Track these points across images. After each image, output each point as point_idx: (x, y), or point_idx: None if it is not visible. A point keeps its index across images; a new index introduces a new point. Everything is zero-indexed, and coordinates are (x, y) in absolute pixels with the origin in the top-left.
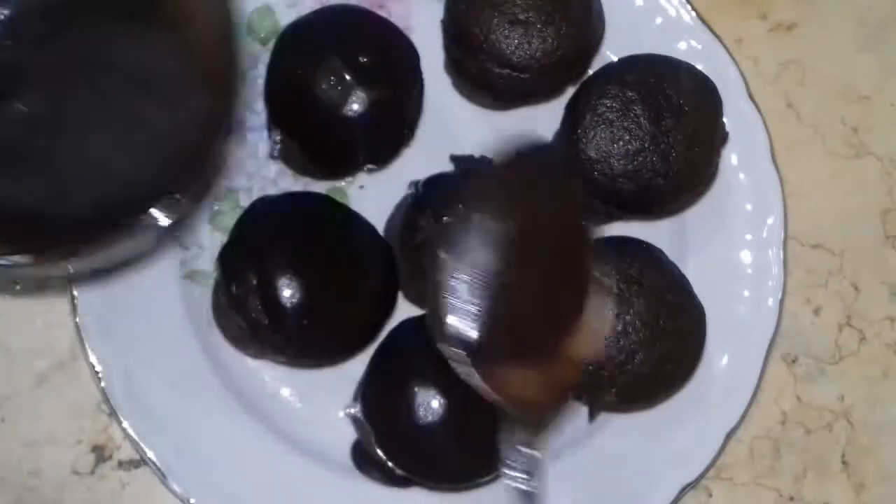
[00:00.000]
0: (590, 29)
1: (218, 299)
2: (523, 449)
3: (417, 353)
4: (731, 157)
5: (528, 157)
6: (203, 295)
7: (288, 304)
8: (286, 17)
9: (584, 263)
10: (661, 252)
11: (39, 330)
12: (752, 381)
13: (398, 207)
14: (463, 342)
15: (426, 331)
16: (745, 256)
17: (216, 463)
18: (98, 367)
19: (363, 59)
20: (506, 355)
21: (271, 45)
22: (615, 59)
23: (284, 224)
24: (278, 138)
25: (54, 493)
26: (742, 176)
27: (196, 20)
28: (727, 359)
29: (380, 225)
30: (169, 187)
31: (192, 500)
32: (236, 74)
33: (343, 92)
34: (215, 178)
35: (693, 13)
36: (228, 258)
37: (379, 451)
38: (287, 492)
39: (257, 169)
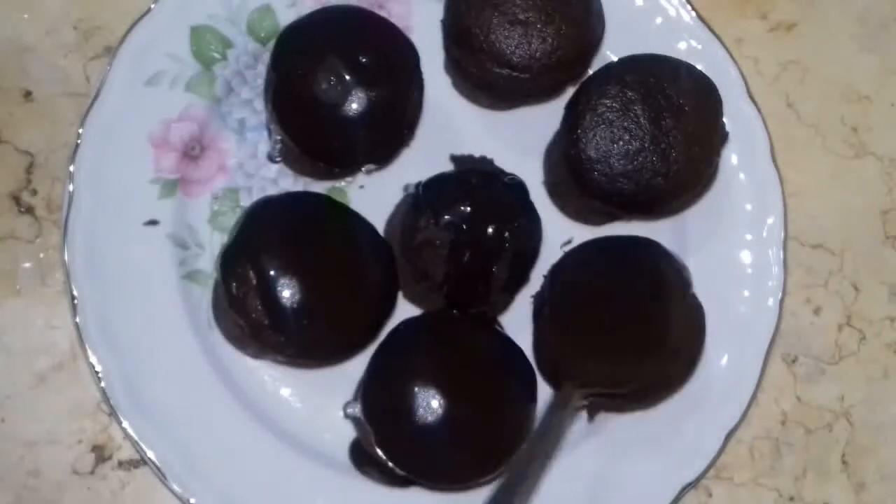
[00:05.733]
0: (590, 29)
1: (218, 299)
2: None
3: (417, 353)
4: (731, 157)
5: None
6: (203, 295)
7: (288, 304)
8: (286, 17)
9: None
10: (663, 250)
11: (39, 330)
12: (752, 381)
13: (398, 207)
14: None
15: (426, 331)
16: (745, 256)
17: (216, 463)
18: (98, 367)
19: (363, 59)
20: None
21: (271, 45)
22: (615, 59)
23: (284, 224)
24: (278, 138)
25: (54, 493)
26: (742, 176)
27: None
28: (727, 359)
29: (380, 225)
30: None
31: (192, 500)
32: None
33: (343, 92)
34: None
35: (693, 13)
36: (228, 258)
37: (379, 451)
38: (287, 492)
39: (257, 169)
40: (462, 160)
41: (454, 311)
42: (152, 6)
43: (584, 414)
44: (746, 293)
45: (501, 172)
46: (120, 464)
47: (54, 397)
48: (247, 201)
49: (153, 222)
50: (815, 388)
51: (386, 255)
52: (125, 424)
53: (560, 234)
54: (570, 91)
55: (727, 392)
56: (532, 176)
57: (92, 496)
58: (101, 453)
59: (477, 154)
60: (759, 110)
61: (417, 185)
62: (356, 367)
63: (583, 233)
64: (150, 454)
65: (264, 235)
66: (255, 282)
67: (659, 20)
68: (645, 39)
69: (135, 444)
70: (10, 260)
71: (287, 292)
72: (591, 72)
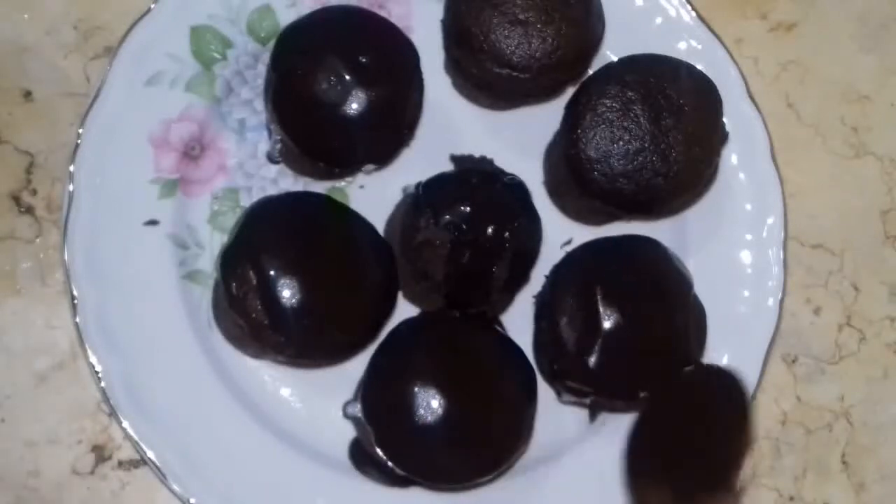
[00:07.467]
0: (590, 29)
1: (218, 299)
2: None
3: (417, 353)
4: (731, 157)
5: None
6: (203, 295)
7: (288, 304)
8: (286, 17)
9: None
10: (665, 249)
11: (39, 330)
12: (752, 381)
13: (398, 207)
14: None
15: (426, 331)
16: (745, 256)
17: (216, 463)
18: (98, 367)
19: (363, 59)
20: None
21: (271, 45)
22: (615, 59)
23: (284, 224)
24: (278, 138)
25: (54, 493)
26: (742, 176)
27: None
28: (727, 359)
29: (380, 225)
30: None
31: (192, 500)
32: None
33: (343, 92)
34: None
35: (693, 13)
36: (228, 258)
37: (379, 451)
38: (287, 492)
39: (257, 169)
40: (462, 160)
41: (454, 311)
42: (152, 6)
43: (584, 414)
44: (746, 293)
45: (501, 172)
46: (120, 464)
47: (54, 397)
48: (247, 201)
49: (153, 222)
50: (815, 388)
51: (386, 255)
52: (125, 424)
53: (560, 234)
54: (570, 91)
55: None
56: (532, 176)
57: (92, 496)
58: (101, 453)
59: (477, 154)
60: (759, 110)
61: (417, 185)
62: (356, 367)
63: (583, 233)
64: (150, 454)
65: (264, 235)
66: (255, 282)
67: (659, 20)
68: (645, 39)
69: (135, 444)
70: (10, 260)
71: (287, 292)
72: (591, 72)
